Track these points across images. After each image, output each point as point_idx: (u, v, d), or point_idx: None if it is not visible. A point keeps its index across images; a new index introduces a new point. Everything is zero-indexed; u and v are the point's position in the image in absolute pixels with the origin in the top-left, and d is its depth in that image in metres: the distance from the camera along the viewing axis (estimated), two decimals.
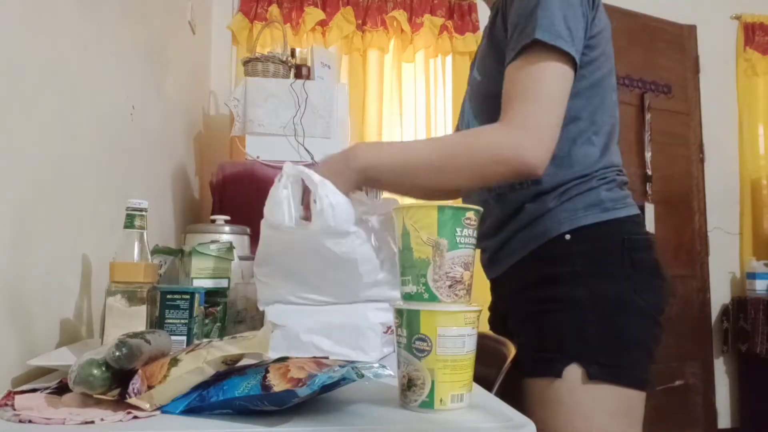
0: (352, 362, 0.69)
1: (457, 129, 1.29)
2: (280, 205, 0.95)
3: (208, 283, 1.17)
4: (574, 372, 0.96)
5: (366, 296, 0.97)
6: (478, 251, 1.17)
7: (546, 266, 1.02)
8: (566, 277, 1.00)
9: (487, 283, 1.27)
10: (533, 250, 1.04)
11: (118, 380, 0.67)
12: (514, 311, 1.09)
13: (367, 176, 0.97)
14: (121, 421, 0.62)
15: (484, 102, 1.07)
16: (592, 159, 1.03)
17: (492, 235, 1.10)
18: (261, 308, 1.01)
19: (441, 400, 0.68)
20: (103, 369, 0.66)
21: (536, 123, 0.92)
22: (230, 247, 1.23)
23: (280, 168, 0.98)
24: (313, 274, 0.96)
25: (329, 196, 0.93)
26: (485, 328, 1.23)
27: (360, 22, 3.06)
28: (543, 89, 0.93)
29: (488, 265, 1.16)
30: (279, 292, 0.99)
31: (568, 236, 1.01)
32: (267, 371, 0.66)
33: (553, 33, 0.93)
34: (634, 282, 1.00)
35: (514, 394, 1.08)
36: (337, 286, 0.96)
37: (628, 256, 1.00)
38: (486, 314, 1.26)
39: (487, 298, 1.27)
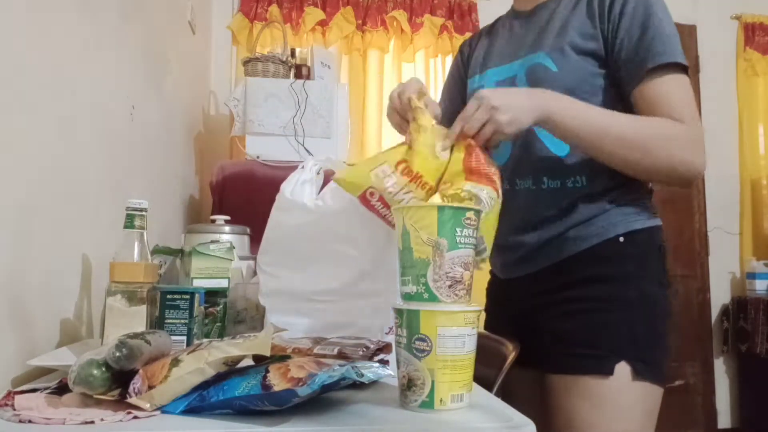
0: (352, 362, 0.69)
1: (454, 110, 1.20)
2: (303, 185, 1.01)
3: (208, 283, 1.17)
4: (623, 369, 0.98)
5: (365, 288, 0.97)
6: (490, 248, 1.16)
7: (597, 266, 1.04)
8: (619, 277, 1.03)
9: (485, 283, 1.27)
10: (584, 249, 1.05)
11: (117, 380, 0.67)
12: (548, 308, 1.08)
13: (550, 117, 0.96)
14: (121, 421, 0.62)
15: (557, 90, 1.02)
16: None
17: (530, 229, 1.09)
18: (262, 302, 1.02)
19: (441, 400, 0.68)
20: (103, 369, 0.66)
21: (702, 135, 1.00)
22: (230, 247, 1.23)
23: (281, 168, 1.01)
24: (319, 259, 0.97)
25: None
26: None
27: (360, 22, 3.06)
28: (694, 104, 1.02)
29: (516, 263, 1.13)
30: (281, 283, 0.99)
31: (621, 238, 1.04)
32: (267, 371, 0.66)
33: (682, 55, 1.02)
34: (664, 287, 1.07)
35: (522, 390, 1.11)
36: (341, 269, 0.97)
37: (662, 262, 1.07)
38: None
39: (483, 297, 1.27)
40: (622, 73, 1.03)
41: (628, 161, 0.99)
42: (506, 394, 1.00)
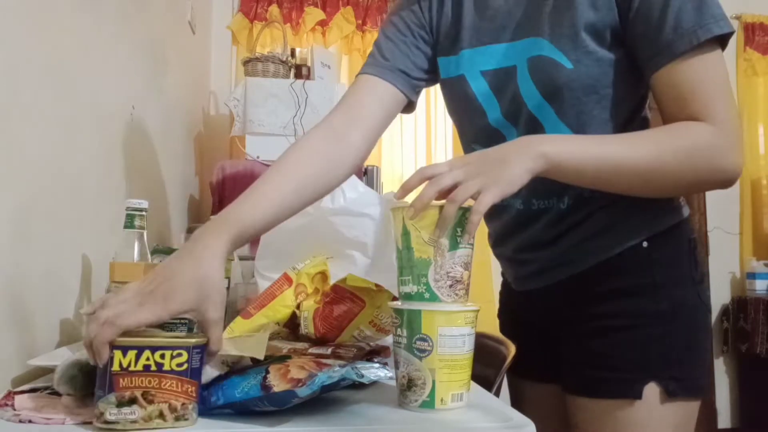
0: (353, 362, 0.69)
1: (486, 120, 0.97)
2: None
3: None
4: (653, 391, 0.88)
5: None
6: (489, 251, 1.09)
7: (620, 278, 0.92)
8: (646, 289, 0.91)
9: (485, 283, 1.26)
10: (603, 260, 0.93)
11: None
12: (571, 326, 0.97)
13: (550, 162, 0.78)
14: None
15: (582, 96, 0.88)
16: None
17: (544, 246, 0.97)
18: None
19: (442, 400, 0.68)
20: (86, 371, 0.66)
21: (737, 127, 0.83)
22: None
23: None
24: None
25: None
26: (484, 327, 1.23)
27: (360, 22, 3.06)
28: (729, 87, 0.84)
29: (531, 276, 1.02)
30: None
31: (645, 243, 0.92)
32: (267, 371, 0.66)
33: (726, 22, 0.82)
34: (696, 284, 0.95)
35: (542, 406, 1.03)
36: (338, 269, 0.98)
37: (693, 257, 0.95)
38: (486, 313, 1.24)
39: (483, 297, 1.27)
40: (638, 52, 0.85)
41: (651, 190, 0.86)
42: (525, 410, 0.94)
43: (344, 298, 0.86)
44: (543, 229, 0.96)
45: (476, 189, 0.72)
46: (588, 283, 0.94)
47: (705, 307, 0.96)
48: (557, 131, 0.90)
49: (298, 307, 0.93)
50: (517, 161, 0.75)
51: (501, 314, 1.17)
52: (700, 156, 0.81)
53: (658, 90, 0.84)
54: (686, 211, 0.96)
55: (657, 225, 0.92)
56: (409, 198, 0.75)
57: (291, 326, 0.93)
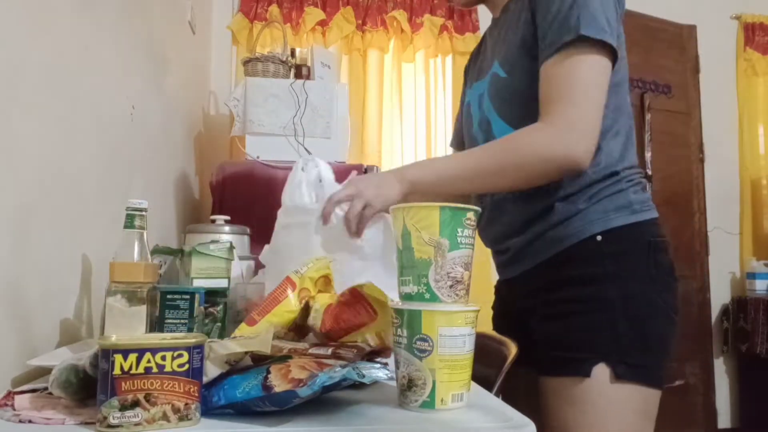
0: (353, 363, 0.69)
1: (460, 128, 1.30)
2: (299, 186, 1.06)
3: (208, 283, 1.17)
4: (602, 371, 0.97)
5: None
6: (489, 251, 1.20)
7: (575, 266, 1.02)
8: (597, 277, 1.00)
9: (484, 283, 1.29)
10: (562, 250, 1.03)
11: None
12: (536, 310, 1.08)
13: (416, 188, 1.03)
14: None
15: (511, 99, 1.07)
16: (615, 157, 1.04)
17: (515, 234, 1.09)
18: None
19: (442, 400, 0.68)
20: (81, 377, 0.66)
21: (580, 118, 0.95)
22: (230, 247, 1.23)
23: (281, 168, 1.03)
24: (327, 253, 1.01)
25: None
26: (485, 327, 1.23)
27: (360, 22, 3.06)
28: (586, 85, 0.95)
29: (507, 264, 1.15)
30: None
31: (599, 237, 1.01)
32: (268, 371, 0.66)
33: (597, 27, 0.94)
34: (656, 283, 1.02)
35: (524, 393, 1.09)
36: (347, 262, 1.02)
37: (653, 258, 1.02)
38: (487, 313, 1.26)
39: (483, 297, 1.28)
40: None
41: (500, 185, 1.04)
42: (508, 393, 1.00)
43: (358, 304, 0.85)
44: (514, 216, 1.08)
45: (362, 205, 1.00)
46: (550, 271, 1.05)
47: (666, 308, 1.03)
48: (498, 122, 1.10)
49: (312, 297, 0.93)
50: (391, 185, 1.02)
51: (493, 306, 1.28)
52: (527, 151, 0.98)
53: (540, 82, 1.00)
54: (649, 215, 1.05)
55: (610, 222, 1.01)
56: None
57: (296, 329, 0.93)
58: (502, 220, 1.11)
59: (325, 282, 0.96)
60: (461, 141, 1.28)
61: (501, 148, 1.01)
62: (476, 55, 1.28)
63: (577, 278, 1.02)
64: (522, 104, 1.03)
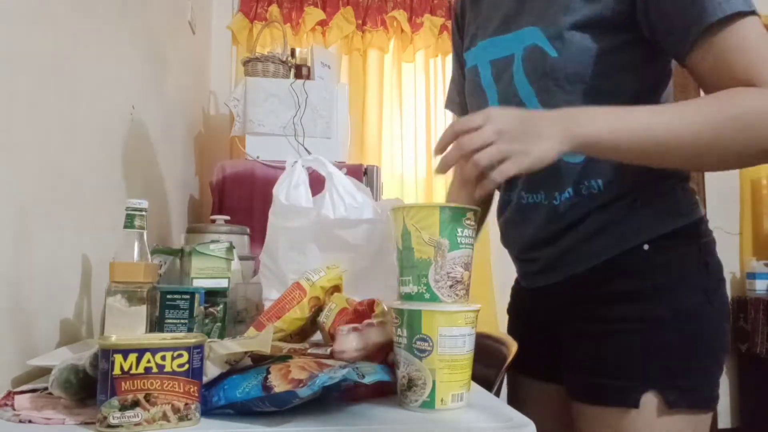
0: (354, 364, 0.69)
1: (461, 93, 1.09)
2: (297, 186, 1.03)
3: (208, 283, 1.16)
4: (651, 400, 0.85)
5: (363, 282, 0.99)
6: (489, 251, 1.15)
7: (621, 280, 0.90)
8: (647, 293, 0.88)
9: (485, 283, 1.27)
10: (601, 263, 0.91)
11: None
12: (568, 326, 0.96)
13: (588, 148, 0.77)
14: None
15: (565, 86, 0.87)
16: None
17: (547, 244, 0.96)
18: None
19: (442, 400, 0.68)
20: (81, 377, 0.66)
21: None
22: (230, 247, 1.23)
23: (281, 168, 1.02)
24: (321, 255, 0.99)
25: (343, 186, 0.98)
26: (484, 327, 1.23)
27: (360, 22, 3.06)
28: None
29: (536, 273, 1.01)
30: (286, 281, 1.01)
31: (646, 246, 0.89)
32: (268, 372, 0.66)
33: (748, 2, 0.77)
34: (708, 291, 0.90)
35: (552, 411, 1.02)
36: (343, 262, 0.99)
37: (704, 263, 0.90)
38: (487, 314, 1.25)
39: (483, 297, 1.27)
40: (658, 36, 0.82)
41: (710, 164, 0.81)
42: (534, 409, 0.88)
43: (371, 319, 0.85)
44: (541, 227, 0.95)
45: (502, 156, 0.72)
46: (587, 285, 0.92)
47: (718, 316, 0.90)
48: (534, 104, 0.89)
49: (330, 293, 0.93)
50: (552, 139, 0.74)
51: (510, 310, 1.16)
52: (759, 122, 0.73)
53: (698, 69, 0.79)
54: (698, 213, 0.92)
55: (659, 227, 0.89)
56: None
57: (299, 332, 0.93)
58: (530, 228, 0.97)
59: (336, 292, 0.96)
60: (463, 108, 1.08)
61: (725, 116, 0.74)
62: (468, 4, 1.07)
63: (623, 294, 0.89)
64: (580, 95, 0.85)
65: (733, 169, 0.81)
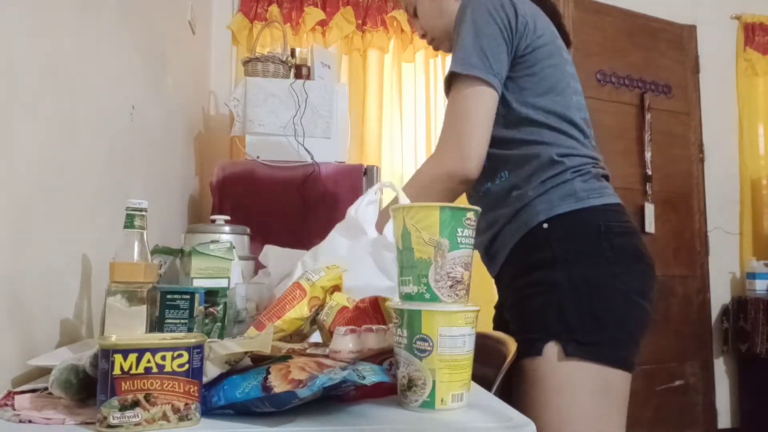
0: (354, 365, 0.69)
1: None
2: (368, 206, 1.15)
3: (208, 283, 1.17)
4: (552, 349, 1.02)
5: None
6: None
7: (528, 254, 1.11)
8: (544, 262, 1.08)
9: (485, 283, 1.31)
10: (518, 241, 1.12)
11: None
12: (508, 301, 1.18)
13: None
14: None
15: None
16: (556, 150, 1.13)
17: (482, 232, 1.19)
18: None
19: (442, 400, 0.68)
20: (81, 377, 0.66)
21: (456, 140, 1.11)
22: (230, 247, 1.23)
23: (280, 168, 1.03)
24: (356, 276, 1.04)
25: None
26: (485, 327, 1.23)
27: (360, 22, 3.06)
28: (464, 113, 1.11)
29: (488, 262, 1.23)
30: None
31: (545, 225, 1.09)
32: (268, 372, 0.66)
33: (467, 64, 1.10)
34: (613, 266, 1.06)
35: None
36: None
37: (607, 241, 1.07)
38: (487, 313, 1.27)
39: (483, 297, 1.31)
40: None
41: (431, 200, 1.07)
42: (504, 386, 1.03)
43: (373, 318, 0.85)
44: (484, 215, 1.14)
45: None
46: (514, 263, 1.14)
47: (624, 289, 1.06)
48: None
49: (331, 292, 0.94)
50: None
51: (496, 305, 1.33)
52: (425, 177, 1.16)
53: None
54: (597, 201, 1.11)
55: (556, 209, 1.09)
56: None
57: (300, 333, 0.93)
58: (483, 216, 1.17)
59: (336, 292, 0.96)
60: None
61: (412, 184, 1.17)
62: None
63: (529, 265, 1.10)
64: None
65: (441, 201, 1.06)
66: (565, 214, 1.09)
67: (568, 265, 1.06)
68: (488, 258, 1.22)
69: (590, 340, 1.02)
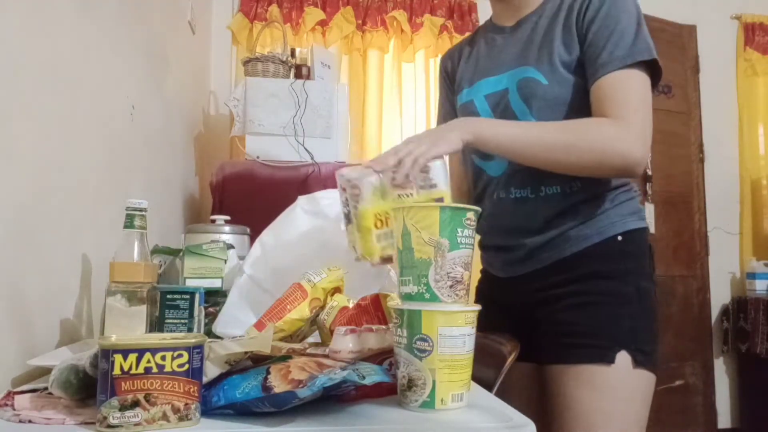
0: (354, 365, 0.69)
1: None
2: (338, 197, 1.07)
3: (201, 283, 1.16)
4: (624, 359, 1.05)
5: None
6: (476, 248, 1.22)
7: (599, 263, 1.11)
8: (619, 273, 1.10)
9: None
10: (583, 248, 1.11)
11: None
12: (552, 302, 1.13)
13: (478, 138, 1.00)
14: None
15: (553, 107, 1.11)
16: None
17: (534, 232, 1.14)
18: (247, 271, 1.11)
19: (442, 400, 0.68)
20: (81, 377, 0.66)
21: (645, 130, 1.04)
22: (223, 247, 1.23)
23: (281, 168, 1.03)
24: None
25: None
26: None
27: (360, 22, 3.06)
28: (647, 101, 1.06)
29: (516, 262, 1.18)
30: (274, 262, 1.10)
31: (620, 237, 1.11)
32: (268, 372, 0.66)
33: (654, 51, 1.06)
34: (653, 281, 1.15)
35: (517, 381, 1.16)
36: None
37: (651, 259, 1.16)
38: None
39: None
40: (586, 71, 1.09)
41: (557, 162, 1.05)
42: (502, 386, 1.02)
43: (374, 316, 0.85)
44: (530, 217, 1.14)
45: (423, 149, 0.93)
46: (571, 267, 1.12)
47: (656, 305, 1.15)
48: None
49: (332, 293, 0.94)
50: (455, 131, 1.00)
51: (479, 301, 1.29)
52: (599, 138, 1.02)
53: (592, 98, 1.07)
54: (646, 223, 1.17)
55: (629, 224, 1.13)
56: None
57: (300, 333, 0.93)
58: (517, 218, 1.16)
59: (337, 293, 0.96)
60: None
61: (571, 128, 1.05)
62: (466, 56, 1.30)
63: (600, 273, 1.10)
64: (563, 112, 1.10)
65: (578, 173, 1.08)
66: (635, 230, 1.13)
67: (636, 278, 1.11)
68: (518, 257, 1.17)
69: (651, 349, 1.08)
